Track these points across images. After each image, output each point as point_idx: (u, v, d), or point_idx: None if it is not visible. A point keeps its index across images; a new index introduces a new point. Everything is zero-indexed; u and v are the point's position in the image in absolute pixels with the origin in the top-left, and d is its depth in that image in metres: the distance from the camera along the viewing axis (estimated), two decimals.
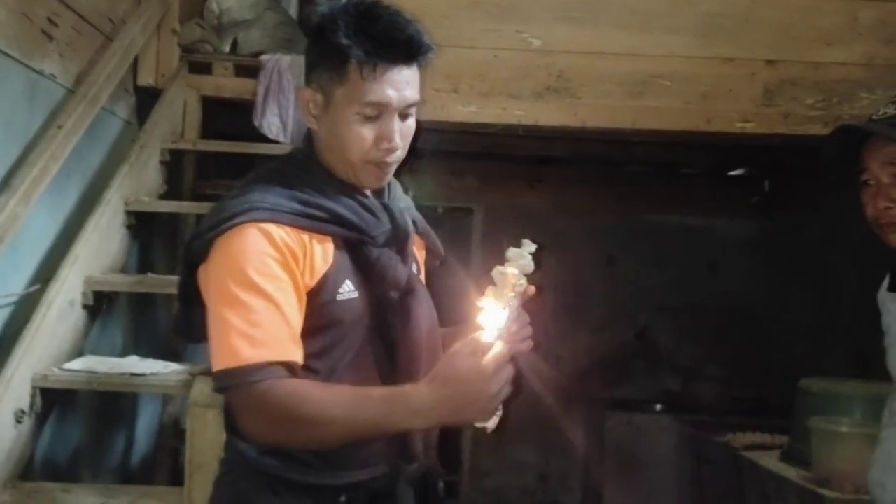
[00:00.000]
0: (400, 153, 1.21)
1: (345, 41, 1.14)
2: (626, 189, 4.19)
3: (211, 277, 1.14)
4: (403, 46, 1.16)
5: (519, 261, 1.24)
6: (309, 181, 1.20)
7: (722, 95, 2.40)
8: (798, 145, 2.44)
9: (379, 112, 1.16)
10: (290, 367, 1.10)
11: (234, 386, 1.09)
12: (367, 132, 1.17)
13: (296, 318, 1.13)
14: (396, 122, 1.18)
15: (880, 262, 1.44)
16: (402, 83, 1.17)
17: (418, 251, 1.34)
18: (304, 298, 1.15)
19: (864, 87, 2.39)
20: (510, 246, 1.25)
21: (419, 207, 1.39)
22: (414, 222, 1.31)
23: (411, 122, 1.22)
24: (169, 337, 3.02)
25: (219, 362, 1.10)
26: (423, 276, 1.33)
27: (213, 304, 1.13)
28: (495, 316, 1.18)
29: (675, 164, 4.00)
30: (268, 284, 1.10)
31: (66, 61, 2.46)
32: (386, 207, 1.24)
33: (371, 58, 1.14)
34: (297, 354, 1.11)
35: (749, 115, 2.41)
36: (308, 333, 1.16)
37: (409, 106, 1.19)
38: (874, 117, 1.34)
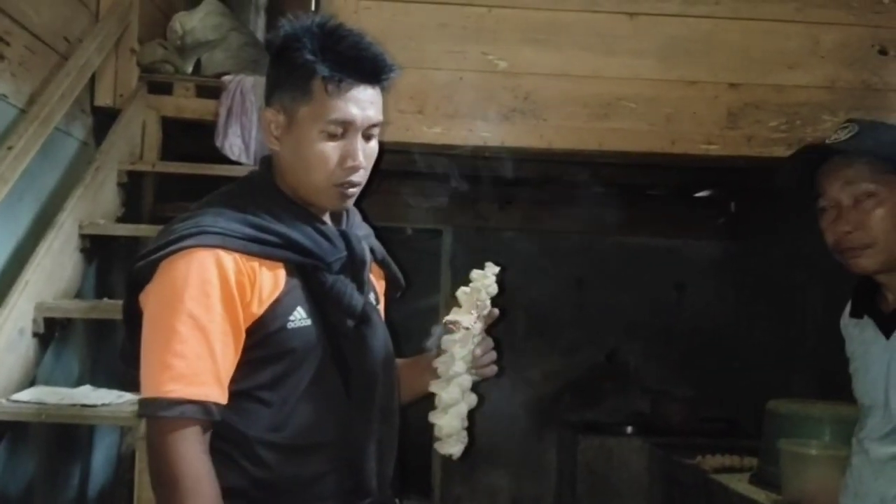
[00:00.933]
0: (363, 174, 1.19)
1: (310, 57, 1.13)
2: (594, 211, 4.19)
3: (150, 300, 1.10)
4: (368, 65, 1.16)
5: (482, 282, 1.21)
6: (264, 205, 1.17)
7: (686, 118, 2.41)
8: (762, 167, 2.44)
9: (343, 130, 1.15)
10: (205, 407, 1.06)
11: (148, 416, 1.07)
12: (331, 151, 1.15)
13: (227, 354, 1.09)
14: (360, 142, 1.17)
15: (844, 284, 1.43)
16: (366, 102, 1.16)
17: (377, 280, 1.31)
18: (243, 335, 1.11)
19: (826, 109, 2.41)
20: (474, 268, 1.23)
21: (380, 235, 1.36)
22: (372, 250, 1.28)
23: (374, 144, 1.20)
24: None
25: (142, 389, 1.08)
26: (381, 306, 1.29)
27: (145, 327, 1.09)
28: (458, 339, 1.15)
29: (642, 186, 4.01)
30: (203, 315, 1.06)
31: (19, 81, 2.39)
32: (343, 234, 1.21)
33: (336, 73, 1.13)
34: (215, 394, 1.07)
35: (713, 138, 2.41)
36: (260, 364, 1.13)
37: (373, 126, 1.18)
38: (827, 142, 1.35)
